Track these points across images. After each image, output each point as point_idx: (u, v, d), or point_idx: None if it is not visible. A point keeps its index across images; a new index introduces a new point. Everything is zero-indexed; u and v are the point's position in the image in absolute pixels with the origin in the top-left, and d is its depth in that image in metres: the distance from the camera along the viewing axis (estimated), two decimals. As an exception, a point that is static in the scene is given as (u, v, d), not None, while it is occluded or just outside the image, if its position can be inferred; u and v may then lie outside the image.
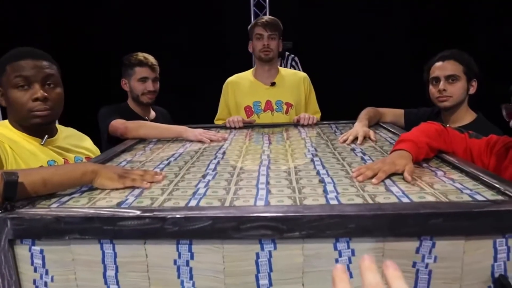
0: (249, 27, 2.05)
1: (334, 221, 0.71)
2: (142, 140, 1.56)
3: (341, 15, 4.38)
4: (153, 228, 0.72)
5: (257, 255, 0.74)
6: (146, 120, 1.84)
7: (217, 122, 2.08)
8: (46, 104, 1.11)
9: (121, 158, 1.30)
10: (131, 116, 1.76)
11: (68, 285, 0.78)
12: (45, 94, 1.10)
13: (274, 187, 0.92)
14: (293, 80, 2.07)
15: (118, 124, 1.62)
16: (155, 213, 0.73)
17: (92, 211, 0.75)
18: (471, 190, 0.86)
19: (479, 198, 0.81)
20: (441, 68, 1.62)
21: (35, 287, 0.78)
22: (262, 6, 5.02)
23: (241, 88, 2.06)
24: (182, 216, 0.72)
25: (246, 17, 4.98)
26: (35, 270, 0.78)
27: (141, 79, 1.82)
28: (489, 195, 0.83)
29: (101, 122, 1.74)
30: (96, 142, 1.52)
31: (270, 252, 0.74)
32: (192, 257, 0.74)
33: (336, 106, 2.39)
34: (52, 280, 0.77)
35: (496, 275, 0.76)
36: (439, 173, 1.00)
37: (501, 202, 0.77)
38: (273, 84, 2.03)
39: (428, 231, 0.73)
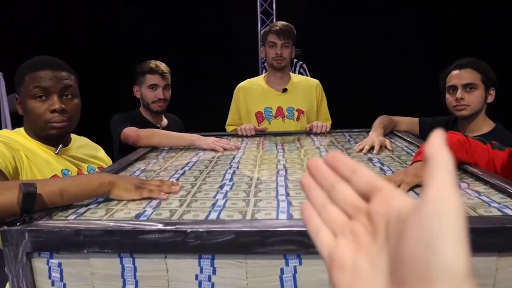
0: (262, 32, 2.04)
1: (362, 236, 0.69)
2: (154, 149, 1.55)
3: (350, 21, 4.39)
4: (175, 241, 0.70)
5: (282, 270, 0.72)
6: (158, 127, 1.83)
7: (228, 127, 2.07)
8: (63, 116, 1.11)
9: (135, 167, 1.28)
10: (143, 123, 1.75)
11: (86, 299, 0.76)
12: (63, 105, 1.10)
13: (295, 199, 0.90)
14: (305, 87, 2.05)
15: (130, 132, 1.61)
16: (177, 226, 0.71)
17: (112, 224, 0.73)
18: (499, 203, 0.83)
19: (509, 212, 0.79)
20: (458, 76, 1.60)
21: (52, 301, 0.76)
22: (269, 13, 5.04)
23: (252, 93, 2.04)
24: (205, 229, 0.70)
25: (253, 24, 5.00)
26: (53, 284, 0.76)
27: (151, 86, 1.81)
28: (520, 208, 0.80)
29: (113, 129, 1.73)
30: (108, 149, 1.51)
31: (295, 267, 0.71)
32: (214, 272, 0.72)
33: (344, 113, 2.37)
34: (69, 294, 0.76)
35: (529, 293, 0.73)
36: (463, 185, 0.97)
37: (534, 217, 0.74)
38: (284, 90, 2.01)
39: (459, 247, 0.70)
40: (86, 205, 0.88)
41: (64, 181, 0.87)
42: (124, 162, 1.28)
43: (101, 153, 1.40)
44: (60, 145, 1.16)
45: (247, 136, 1.78)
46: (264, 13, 5.06)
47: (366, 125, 1.82)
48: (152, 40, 4.26)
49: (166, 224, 0.72)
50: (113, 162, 1.48)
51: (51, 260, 0.75)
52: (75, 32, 4.31)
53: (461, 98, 1.57)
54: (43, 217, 0.79)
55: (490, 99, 1.57)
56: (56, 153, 1.14)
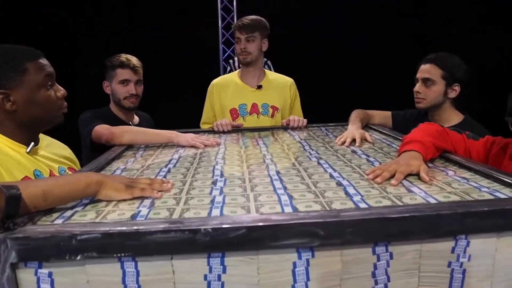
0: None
1: (374, 225, 0.69)
2: (130, 147, 1.46)
3: (314, 16, 4.46)
4: (183, 241, 0.66)
5: (294, 264, 0.70)
6: (130, 125, 1.73)
7: (203, 126, 2.01)
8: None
9: (114, 166, 1.20)
10: (113, 121, 1.65)
11: (80, 310, 0.69)
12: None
13: (294, 191, 0.88)
14: (280, 84, 2.05)
15: (102, 129, 1.50)
16: (185, 224, 0.67)
17: (110, 226, 0.67)
18: (488, 188, 0.87)
19: (500, 195, 0.83)
20: (421, 70, 1.68)
21: (41, 316, 0.69)
22: (229, 10, 5.00)
23: (226, 90, 2.01)
24: (215, 226, 0.66)
25: (214, 21, 4.94)
26: (42, 296, 0.68)
27: (123, 81, 1.71)
28: (508, 192, 0.84)
29: (82, 128, 1.61)
30: (75, 150, 1.40)
31: (307, 260, 0.70)
32: (224, 271, 0.69)
33: (312, 108, 2.38)
34: (62, 306, 0.68)
35: (524, 270, 0.77)
36: (450, 172, 1.01)
37: (526, 198, 0.78)
38: (259, 87, 1.99)
39: (463, 230, 0.72)
40: (72, 208, 0.81)
41: (46, 182, 0.79)
42: (102, 161, 1.20)
43: (68, 151, 1.31)
44: (32, 143, 1.05)
45: (223, 132, 1.74)
46: (224, 9, 5.01)
47: (338, 120, 1.85)
48: (112, 35, 4.07)
49: (172, 222, 0.68)
50: (80, 162, 1.38)
51: (40, 270, 0.67)
52: (28, 26, 3.99)
53: (418, 92, 1.66)
54: (26, 223, 0.71)
55: (453, 94, 1.64)
56: (28, 152, 1.04)
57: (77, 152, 1.46)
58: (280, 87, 2.04)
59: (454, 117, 1.65)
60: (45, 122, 1.11)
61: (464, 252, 0.74)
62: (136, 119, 1.85)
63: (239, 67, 4.02)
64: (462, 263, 0.74)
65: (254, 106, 1.99)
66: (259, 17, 1.98)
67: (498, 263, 0.75)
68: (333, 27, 4.49)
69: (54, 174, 1.12)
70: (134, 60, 1.73)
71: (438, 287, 0.75)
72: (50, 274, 0.67)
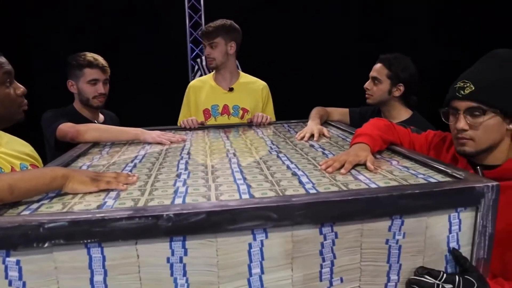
0: None
1: (320, 208, 0.77)
2: (95, 144, 1.48)
3: (280, 15, 4.56)
4: (147, 226, 0.71)
5: (250, 245, 0.77)
6: (95, 123, 1.74)
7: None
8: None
9: (79, 162, 1.22)
10: (79, 119, 1.65)
11: (49, 296, 0.73)
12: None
13: (253, 181, 0.96)
14: (252, 88, 2.13)
15: (67, 127, 1.51)
16: (148, 211, 0.72)
17: (77, 214, 0.72)
18: (424, 174, 0.98)
19: (433, 180, 0.94)
20: (373, 69, 1.82)
21: (9, 303, 0.72)
22: (197, 9, 5.01)
23: (202, 91, 2.09)
24: (177, 212, 0.72)
25: (181, 20, 4.93)
26: (10, 284, 0.71)
27: (92, 81, 1.71)
28: (440, 177, 0.95)
29: (46, 127, 1.60)
30: (38, 149, 1.40)
31: (262, 241, 0.77)
32: (185, 253, 0.75)
33: (282, 108, 2.46)
34: (30, 292, 0.72)
35: (451, 245, 0.88)
36: (394, 162, 1.12)
37: (453, 182, 0.90)
38: (231, 89, 2.08)
39: (398, 211, 0.82)
40: (38, 201, 0.84)
41: (12, 176, 0.82)
42: (66, 158, 1.22)
43: (29, 149, 1.31)
44: None
45: (190, 129, 1.79)
46: (192, 8, 5.01)
47: (302, 117, 1.95)
48: (77, 34, 3.99)
49: (136, 210, 0.73)
50: (45, 161, 1.39)
51: (7, 259, 0.70)
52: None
53: (366, 88, 1.82)
54: (-7, 215, 0.74)
55: (397, 93, 1.77)
56: None
57: (40, 152, 1.46)
58: (251, 90, 2.12)
59: (403, 114, 1.79)
60: (5, 120, 1.12)
61: (399, 230, 0.84)
62: (101, 117, 1.87)
63: (206, 66, 4.06)
64: (398, 240, 0.84)
65: (226, 107, 2.07)
66: (224, 21, 2.03)
67: (428, 239, 0.86)
68: (302, 26, 4.61)
69: (15, 170, 1.13)
70: (101, 59, 1.74)
71: (378, 262, 0.84)
72: (18, 262, 0.71)
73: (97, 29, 4.24)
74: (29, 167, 1.21)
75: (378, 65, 1.79)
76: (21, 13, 4.14)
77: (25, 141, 1.33)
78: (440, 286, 0.82)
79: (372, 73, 1.80)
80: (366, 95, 1.82)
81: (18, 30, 4.05)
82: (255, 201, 0.78)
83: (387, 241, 0.84)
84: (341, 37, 4.62)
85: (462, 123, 1.06)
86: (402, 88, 1.76)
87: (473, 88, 1.05)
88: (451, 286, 0.82)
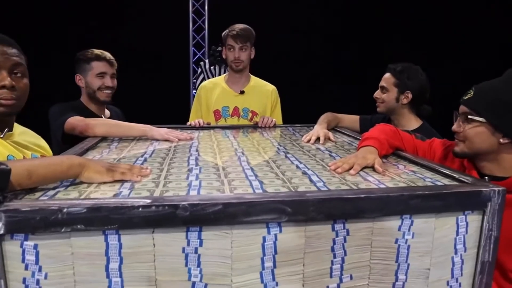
0: (223, 33, 2.09)
1: (334, 204, 0.79)
2: (103, 139, 1.49)
3: (284, 21, 4.60)
4: (164, 215, 0.72)
5: (264, 238, 0.78)
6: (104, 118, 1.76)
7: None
8: (13, 93, 1.03)
9: (89, 155, 1.23)
10: (86, 114, 1.66)
11: (63, 281, 0.73)
12: (13, 82, 1.02)
13: (264, 178, 0.97)
14: (262, 91, 2.18)
15: (76, 121, 1.52)
16: (167, 200, 0.73)
17: (96, 200, 0.73)
18: (431, 178, 1.01)
19: (440, 184, 0.96)
20: (382, 78, 1.85)
21: (24, 286, 0.72)
22: (201, 14, 5.05)
23: (213, 93, 2.13)
24: (195, 202, 0.73)
25: (185, 23, 4.97)
26: (26, 268, 0.72)
27: (99, 74, 1.73)
28: (447, 181, 0.98)
29: (53, 120, 1.61)
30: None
31: (276, 235, 0.78)
32: (201, 244, 0.76)
33: (292, 112, 2.48)
34: (45, 277, 0.73)
35: (458, 247, 0.90)
36: (400, 166, 1.14)
37: (460, 185, 0.92)
38: (242, 92, 2.12)
39: (408, 210, 0.84)
40: (54, 188, 0.85)
41: (31, 161, 0.83)
42: (77, 150, 1.23)
43: (42, 142, 1.32)
44: (6, 129, 1.07)
45: (196, 128, 1.81)
46: (196, 13, 5.06)
47: (309, 122, 1.97)
48: (83, 35, 4.01)
49: (155, 199, 0.74)
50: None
51: (25, 243, 0.71)
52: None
53: (376, 97, 1.87)
54: (12, 199, 0.74)
55: (405, 101, 1.81)
56: (1, 137, 1.06)
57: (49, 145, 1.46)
58: (261, 93, 2.17)
59: (412, 123, 1.82)
60: None
61: (409, 230, 0.85)
62: (107, 112, 1.88)
63: (209, 70, 4.09)
64: (407, 240, 0.86)
65: (236, 109, 2.12)
66: (249, 27, 2.10)
67: (436, 240, 0.88)
68: (311, 29, 4.66)
69: (27, 160, 1.14)
70: (108, 54, 1.76)
71: (387, 261, 0.86)
72: (35, 246, 0.72)
73: (99, 28, 4.25)
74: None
75: (386, 74, 1.84)
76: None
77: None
78: None
79: (381, 83, 1.85)
80: (377, 104, 1.86)
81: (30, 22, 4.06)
82: (270, 195, 0.79)
83: (396, 240, 0.85)
84: (353, 43, 4.66)
85: (455, 125, 1.17)
86: (409, 95, 1.79)
87: (472, 95, 1.12)
88: None
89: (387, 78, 1.83)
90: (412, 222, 0.85)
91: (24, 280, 0.72)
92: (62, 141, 1.56)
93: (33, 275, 0.72)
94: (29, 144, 1.21)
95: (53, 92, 2.20)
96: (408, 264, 0.87)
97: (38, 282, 0.73)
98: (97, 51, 1.74)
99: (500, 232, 1.03)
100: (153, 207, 0.72)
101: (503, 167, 1.14)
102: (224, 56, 2.15)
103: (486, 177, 1.13)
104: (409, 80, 1.80)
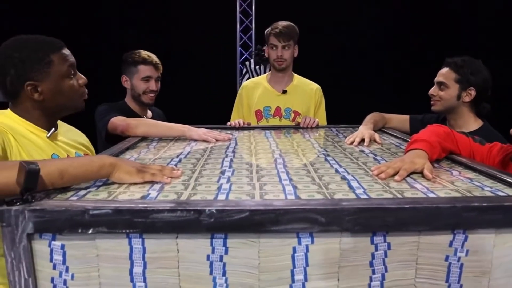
0: (265, 31, 2.06)
1: (373, 214, 0.71)
2: (143, 138, 1.51)
3: (336, 19, 4.47)
4: (188, 220, 0.69)
5: (294, 249, 0.72)
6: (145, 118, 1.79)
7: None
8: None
9: (127, 155, 1.25)
10: (129, 114, 1.70)
11: (89, 283, 0.73)
12: None
13: (299, 183, 0.91)
14: (305, 90, 2.11)
15: (118, 121, 1.56)
16: (191, 205, 0.70)
17: (120, 203, 0.71)
18: (491, 187, 0.88)
19: (502, 194, 0.83)
20: (439, 74, 1.69)
21: (52, 286, 0.73)
22: (248, 14, 5.06)
23: (255, 92, 2.11)
24: (220, 208, 0.69)
25: (232, 24, 5.00)
26: (54, 267, 0.72)
27: (145, 78, 1.78)
28: (510, 191, 0.85)
29: (99, 120, 1.67)
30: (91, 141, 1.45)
31: (307, 246, 0.72)
32: (226, 252, 0.72)
33: (334, 111, 2.38)
34: (72, 278, 0.72)
35: (523, 268, 0.77)
36: (455, 172, 1.02)
37: (527, 197, 0.79)
38: (284, 92, 2.08)
39: (462, 224, 0.73)
40: (85, 188, 0.85)
41: (63, 161, 0.84)
42: (115, 150, 1.25)
43: (84, 139, 1.37)
44: (53, 129, 1.11)
45: (236, 129, 1.78)
46: (243, 13, 5.07)
47: (354, 122, 1.86)
48: (131, 35, 4.19)
49: (179, 203, 0.71)
50: (96, 153, 1.44)
51: (53, 242, 0.72)
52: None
53: (432, 94, 1.69)
54: (43, 198, 0.75)
55: (467, 98, 1.64)
56: (48, 137, 1.10)
57: (92, 143, 1.51)
58: (304, 93, 2.10)
59: (472, 123, 1.64)
60: (67, 109, 1.18)
61: (462, 247, 0.75)
62: (149, 113, 1.92)
63: (255, 69, 4.07)
64: (459, 258, 0.75)
65: (278, 109, 2.07)
66: (292, 24, 2.03)
67: (496, 260, 0.76)
68: (359, 25, 4.49)
69: (69, 158, 1.17)
70: (154, 57, 1.79)
71: (436, 280, 0.76)
72: (62, 246, 0.72)
73: (150, 29, 4.41)
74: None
75: (444, 69, 1.66)
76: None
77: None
78: None
79: (438, 78, 1.67)
80: (432, 102, 1.69)
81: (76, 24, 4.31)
82: (301, 202, 0.73)
83: (447, 258, 0.75)
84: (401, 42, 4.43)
85: None
86: (473, 92, 1.61)
87: None
88: None
89: (446, 73, 1.66)
90: (466, 237, 0.74)
91: (52, 280, 0.73)
92: (106, 140, 1.61)
93: (60, 275, 0.72)
94: (73, 143, 1.25)
95: (100, 92, 2.29)
96: (461, 285, 0.76)
97: (65, 282, 0.73)
98: (144, 54, 1.78)
99: None
100: (177, 212, 0.69)
101: None
102: (266, 55, 2.10)
103: None
104: (472, 75, 1.62)
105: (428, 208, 0.72)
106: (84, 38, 4.07)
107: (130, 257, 0.72)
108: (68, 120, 1.42)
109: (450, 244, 0.75)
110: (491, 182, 0.92)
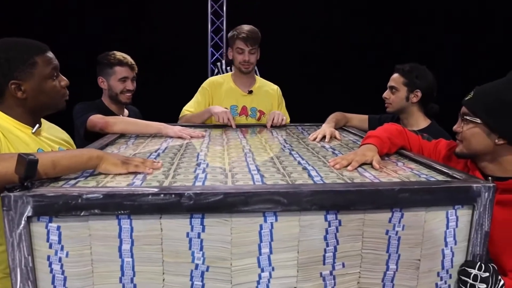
0: (229, 34, 2.15)
1: (326, 196, 0.86)
2: (122, 135, 1.60)
3: (301, 21, 4.66)
4: (170, 203, 0.81)
5: (261, 226, 0.85)
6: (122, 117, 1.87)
7: (186, 111, 2.14)
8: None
9: (107, 150, 1.34)
10: (106, 113, 1.77)
11: (82, 259, 0.83)
12: None
13: (266, 172, 1.04)
14: (267, 91, 2.25)
15: (97, 118, 1.64)
16: (173, 189, 0.82)
17: (111, 188, 0.82)
18: (426, 175, 1.05)
19: (433, 180, 1.00)
20: (390, 79, 1.90)
21: (48, 263, 0.82)
22: (219, 15, 5.15)
23: (221, 90, 2.19)
24: (198, 191, 0.81)
25: (204, 24, 5.08)
26: (50, 247, 0.82)
27: (122, 78, 1.85)
28: (441, 178, 1.02)
29: (77, 118, 1.74)
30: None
31: (272, 223, 0.86)
32: (203, 230, 0.84)
33: (295, 111, 2.54)
34: (67, 255, 0.82)
35: (448, 240, 0.95)
36: (400, 163, 1.19)
37: (451, 181, 0.96)
38: (250, 92, 2.19)
39: (398, 204, 0.90)
40: (75, 178, 0.95)
41: (55, 153, 0.93)
42: (96, 145, 1.33)
43: (66, 135, 1.44)
44: (37, 125, 1.19)
45: (208, 127, 1.90)
46: (214, 14, 5.16)
47: (316, 121, 2.02)
48: (107, 34, 4.18)
49: (162, 188, 0.83)
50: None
51: (50, 224, 0.81)
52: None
53: (385, 97, 1.91)
54: (40, 186, 0.84)
55: (415, 99, 1.85)
56: (33, 133, 1.17)
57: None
58: (267, 93, 2.24)
59: (421, 122, 1.85)
60: (49, 108, 1.25)
61: (399, 222, 0.91)
62: (126, 112, 1.99)
63: (226, 70, 4.18)
64: (397, 232, 0.91)
65: (244, 108, 2.19)
66: (256, 28, 2.13)
67: (427, 233, 0.93)
68: (327, 29, 4.69)
69: (54, 153, 1.25)
70: (129, 58, 1.87)
71: (378, 251, 0.91)
72: (58, 228, 0.81)
73: (120, 29, 4.41)
74: None
75: (394, 75, 1.88)
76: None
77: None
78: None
79: (390, 83, 1.89)
80: (386, 104, 1.90)
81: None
82: (267, 187, 0.86)
83: (387, 232, 0.91)
84: (360, 41, 4.68)
85: (456, 125, 1.21)
86: (419, 94, 1.82)
87: (471, 96, 1.15)
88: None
89: (396, 78, 1.87)
90: (402, 215, 0.91)
91: (48, 257, 0.82)
92: (85, 137, 1.68)
93: (56, 253, 0.82)
94: (56, 139, 1.32)
95: (75, 92, 2.34)
96: (399, 255, 0.93)
97: (60, 259, 0.82)
98: (119, 55, 1.85)
99: (500, 232, 1.07)
100: (161, 195, 0.81)
101: (503, 168, 1.16)
102: (230, 57, 2.19)
103: (490, 178, 1.16)
104: (417, 79, 1.83)
105: (371, 191, 0.88)
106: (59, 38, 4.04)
107: (119, 236, 0.83)
108: (46, 118, 1.49)
109: (389, 221, 0.91)
110: (427, 171, 1.09)
